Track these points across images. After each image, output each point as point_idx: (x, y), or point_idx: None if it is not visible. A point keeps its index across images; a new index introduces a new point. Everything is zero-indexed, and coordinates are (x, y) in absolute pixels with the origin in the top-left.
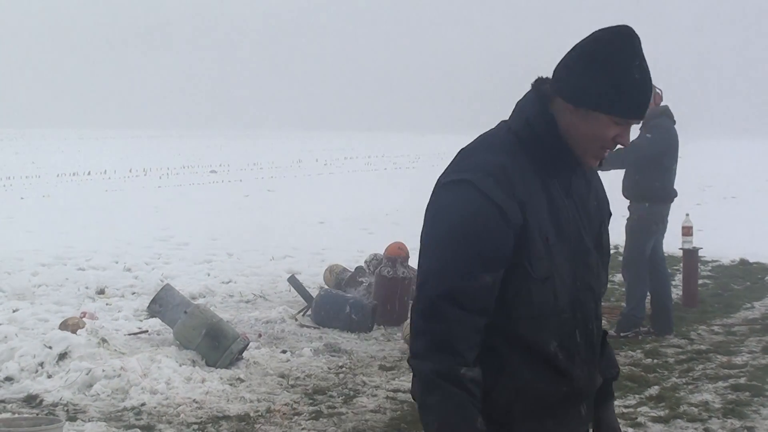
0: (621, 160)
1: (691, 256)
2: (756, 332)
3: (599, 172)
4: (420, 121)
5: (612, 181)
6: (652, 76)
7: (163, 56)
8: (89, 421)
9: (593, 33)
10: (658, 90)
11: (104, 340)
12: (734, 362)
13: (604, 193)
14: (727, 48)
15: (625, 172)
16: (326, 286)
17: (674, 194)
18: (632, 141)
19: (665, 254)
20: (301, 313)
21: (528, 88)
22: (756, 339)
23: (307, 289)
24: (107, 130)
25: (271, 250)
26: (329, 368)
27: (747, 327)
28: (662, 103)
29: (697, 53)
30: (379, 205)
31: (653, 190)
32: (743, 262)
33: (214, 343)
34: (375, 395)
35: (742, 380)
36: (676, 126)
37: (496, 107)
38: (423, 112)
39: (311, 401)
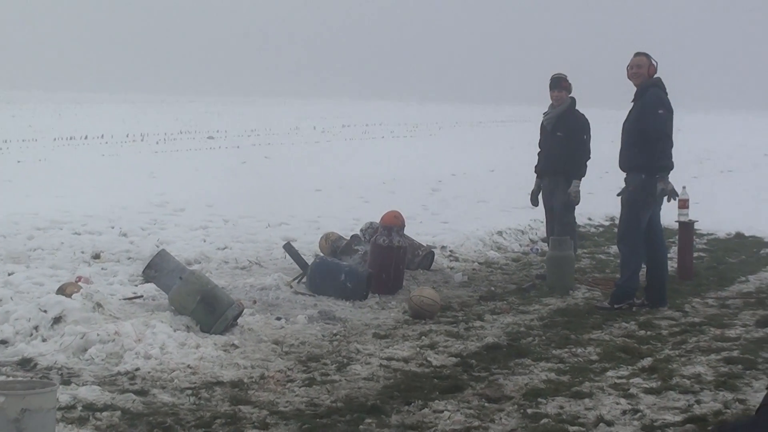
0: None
1: (686, 228)
2: (750, 305)
3: None
4: (419, 90)
5: (609, 152)
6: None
7: (160, 21)
8: (83, 385)
9: None
10: (654, 62)
11: (99, 305)
12: (727, 335)
13: None
14: (725, 19)
15: (622, 144)
16: (321, 254)
17: (671, 166)
18: (648, 118)
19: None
20: (296, 281)
21: (521, 58)
22: (750, 312)
23: (302, 256)
24: (104, 94)
25: (267, 217)
26: (323, 336)
27: (741, 300)
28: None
29: (693, 23)
30: (375, 174)
31: (650, 161)
32: (739, 236)
33: (208, 309)
34: (369, 363)
35: (735, 353)
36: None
37: (493, 77)
38: (421, 81)
39: (305, 368)
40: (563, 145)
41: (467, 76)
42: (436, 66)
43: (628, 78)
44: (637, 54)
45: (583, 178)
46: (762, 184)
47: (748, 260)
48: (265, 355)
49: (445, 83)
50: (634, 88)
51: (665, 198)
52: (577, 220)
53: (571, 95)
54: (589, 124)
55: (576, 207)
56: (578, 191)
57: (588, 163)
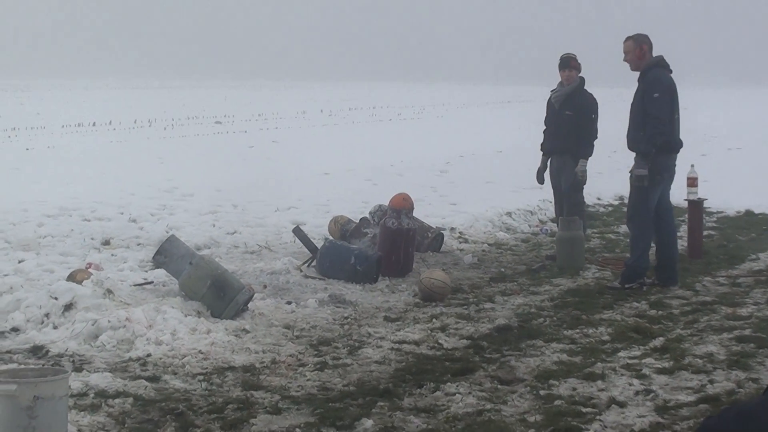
0: (657, 123)
1: (696, 207)
2: (761, 284)
3: None
4: (426, 71)
5: (618, 132)
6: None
7: (165, 6)
8: (95, 371)
9: None
10: (643, 44)
11: (110, 291)
12: (739, 314)
13: None
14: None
15: (630, 124)
16: (331, 237)
17: (680, 144)
18: (645, 101)
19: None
20: (306, 264)
21: (524, 38)
22: (761, 290)
23: (311, 240)
24: (111, 79)
25: (275, 201)
26: (334, 319)
27: (752, 278)
28: (656, 54)
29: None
30: (383, 156)
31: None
32: (748, 213)
33: (219, 294)
34: (380, 346)
35: (747, 332)
36: (672, 75)
37: (500, 57)
38: (428, 62)
39: (316, 352)
40: (571, 124)
41: (473, 56)
42: (442, 46)
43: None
44: (626, 39)
45: (590, 158)
46: None
47: (758, 238)
48: (276, 339)
49: (452, 63)
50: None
51: (635, 182)
52: (585, 200)
53: (580, 75)
54: (597, 103)
55: (584, 186)
56: (585, 171)
57: (595, 143)
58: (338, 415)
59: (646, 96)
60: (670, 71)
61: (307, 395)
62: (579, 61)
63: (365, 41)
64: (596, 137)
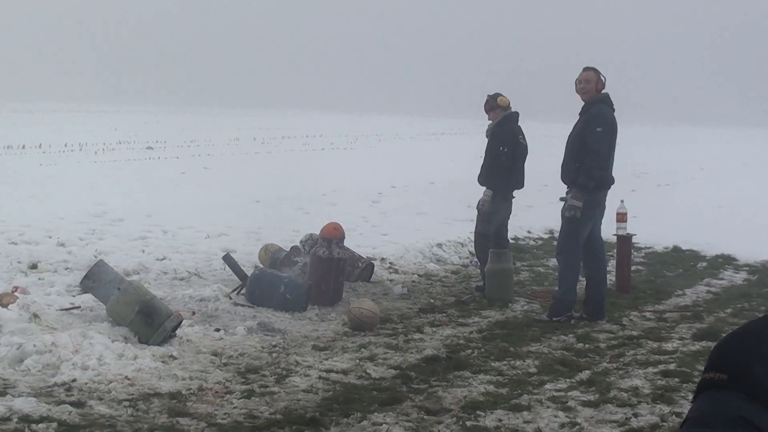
0: (597, 156)
1: (624, 242)
2: (687, 319)
3: None
4: (359, 102)
5: (549, 166)
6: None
7: (99, 30)
8: (19, 396)
9: None
10: (602, 77)
11: (36, 315)
12: (665, 348)
13: None
14: (665, 31)
15: (565, 157)
16: (261, 265)
17: (612, 181)
18: (587, 134)
19: None
20: (236, 292)
21: (462, 72)
22: (686, 325)
23: (241, 267)
24: (41, 104)
25: (206, 228)
26: (262, 347)
27: (678, 313)
28: (603, 90)
29: (635, 36)
30: (315, 186)
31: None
32: (676, 249)
33: (147, 320)
34: (308, 375)
35: (672, 366)
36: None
37: (437, 89)
38: (362, 93)
39: (243, 380)
40: (487, 157)
41: (407, 89)
42: (375, 78)
43: (576, 92)
44: (586, 69)
45: (516, 191)
46: (699, 198)
47: (685, 274)
48: (204, 366)
49: (385, 95)
50: (582, 103)
51: (567, 211)
52: (516, 233)
53: (507, 110)
54: (512, 138)
55: (492, 218)
56: (486, 200)
57: (525, 178)
58: None
59: (589, 129)
60: (613, 109)
61: (233, 423)
62: (496, 101)
63: (301, 69)
64: (505, 170)
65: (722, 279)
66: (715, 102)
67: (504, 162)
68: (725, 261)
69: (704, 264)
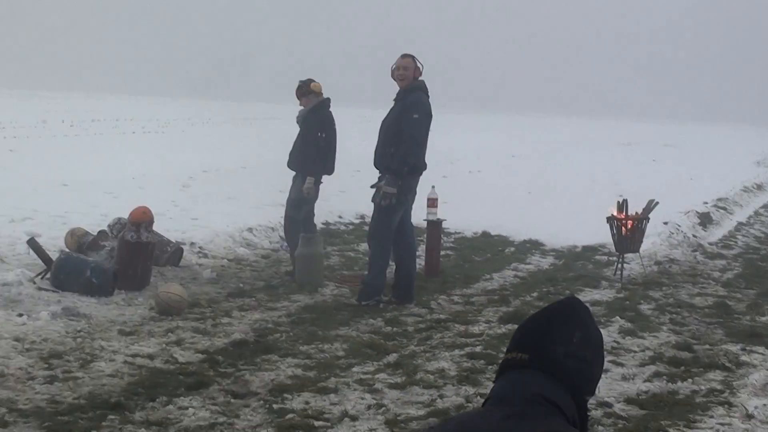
0: (413, 143)
1: (434, 227)
2: (493, 303)
3: None
4: (173, 86)
5: (362, 151)
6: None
7: None
8: None
9: (580, 316)
10: (419, 65)
11: None
12: (471, 331)
13: None
14: (475, 21)
15: (378, 142)
16: (67, 250)
17: (424, 167)
18: (403, 120)
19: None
20: (40, 276)
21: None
22: (493, 309)
23: (46, 251)
24: None
25: (10, 212)
26: (67, 332)
27: (485, 297)
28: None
29: (447, 22)
30: (125, 169)
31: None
32: (485, 235)
33: None
34: (113, 360)
35: (478, 349)
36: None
37: (248, 73)
38: (179, 77)
39: (47, 365)
40: (301, 143)
41: (222, 73)
42: (193, 62)
43: (393, 78)
44: (404, 56)
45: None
46: (508, 185)
47: (493, 258)
48: (6, 352)
49: (203, 79)
50: (397, 88)
51: (382, 200)
52: (327, 218)
53: (319, 96)
54: (330, 123)
55: (313, 202)
56: (310, 187)
57: (327, 159)
58: (67, 429)
59: (405, 116)
60: (428, 96)
61: (35, 408)
62: (309, 87)
63: (115, 52)
64: (322, 154)
65: (529, 264)
66: (522, 91)
67: (322, 148)
68: (533, 246)
69: (512, 249)
